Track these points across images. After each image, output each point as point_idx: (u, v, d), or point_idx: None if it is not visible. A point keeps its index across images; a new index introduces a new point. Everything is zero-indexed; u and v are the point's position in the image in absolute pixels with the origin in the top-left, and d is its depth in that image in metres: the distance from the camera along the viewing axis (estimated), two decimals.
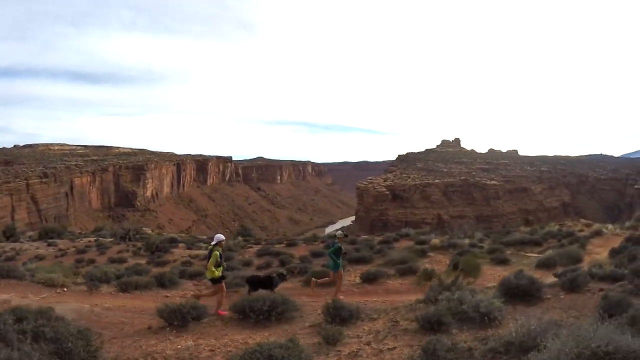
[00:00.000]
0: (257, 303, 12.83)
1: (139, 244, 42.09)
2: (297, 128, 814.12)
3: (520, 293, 11.59)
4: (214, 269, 14.71)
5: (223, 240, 15.28)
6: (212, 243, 15.09)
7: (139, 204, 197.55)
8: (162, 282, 19.71)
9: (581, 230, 36.65)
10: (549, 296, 11.87)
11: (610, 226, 33.79)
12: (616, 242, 26.89)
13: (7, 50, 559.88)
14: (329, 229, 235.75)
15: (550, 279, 15.37)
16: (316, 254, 31.19)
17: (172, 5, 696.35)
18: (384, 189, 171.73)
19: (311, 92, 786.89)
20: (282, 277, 17.51)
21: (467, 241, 33.78)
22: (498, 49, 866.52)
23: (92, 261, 34.09)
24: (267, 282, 16.93)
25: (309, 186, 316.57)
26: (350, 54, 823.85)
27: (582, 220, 42.64)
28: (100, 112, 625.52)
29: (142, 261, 33.43)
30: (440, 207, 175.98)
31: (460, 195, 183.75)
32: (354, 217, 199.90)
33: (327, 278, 18.63)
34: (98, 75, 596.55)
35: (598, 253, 25.26)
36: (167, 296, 18.17)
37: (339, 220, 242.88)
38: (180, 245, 42.68)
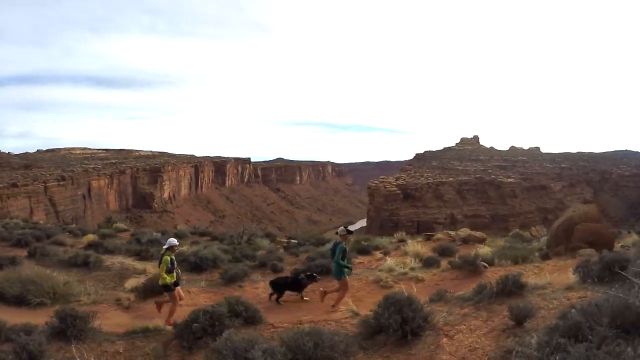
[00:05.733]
0: None
1: None
2: (317, 129, 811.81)
3: None
4: (165, 275, 13.78)
5: (176, 245, 14.35)
6: (164, 247, 14.27)
7: (156, 205, 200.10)
8: None
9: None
10: None
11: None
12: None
13: (28, 57, 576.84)
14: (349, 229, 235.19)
15: None
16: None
17: (188, 8, 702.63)
18: (395, 188, 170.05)
19: (331, 93, 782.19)
20: (311, 278, 16.22)
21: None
22: (521, 45, 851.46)
23: None
24: (295, 284, 16.01)
25: (328, 186, 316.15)
26: (369, 53, 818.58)
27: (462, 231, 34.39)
28: (121, 115, 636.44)
29: None
30: (454, 206, 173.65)
31: (474, 194, 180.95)
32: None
33: (336, 286, 15.61)
34: (117, 79, 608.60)
35: None
36: None
37: (358, 221, 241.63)
38: None
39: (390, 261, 20.94)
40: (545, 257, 21.43)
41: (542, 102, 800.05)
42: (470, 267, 18.59)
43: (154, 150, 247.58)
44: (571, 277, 11.77)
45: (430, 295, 12.69)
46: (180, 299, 14.37)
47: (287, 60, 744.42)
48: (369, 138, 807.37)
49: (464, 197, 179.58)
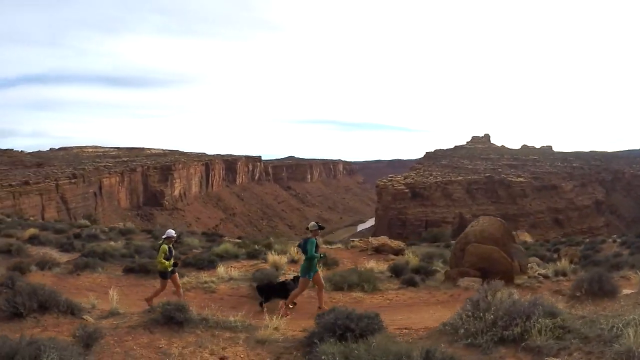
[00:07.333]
0: None
1: None
2: (329, 127, 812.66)
3: None
4: (163, 261, 15.18)
5: (173, 237, 15.81)
6: (163, 237, 15.84)
7: (166, 203, 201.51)
8: None
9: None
10: None
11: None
12: None
13: (41, 57, 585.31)
14: (360, 227, 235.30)
15: None
16: None
17: (199, 8, 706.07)
18: (403, 187, 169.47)
19: (342, 91, 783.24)
20: (297, 282, 14.95)
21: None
22: (534, 43, 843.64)
23: None
24: (281, 290, 15.12)
25: (339, 185, 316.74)
26: (380, 51, 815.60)
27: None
28: (133, 114, 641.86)
29: None
30: (463, 205, 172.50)
31: (484, 193, 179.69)
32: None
33: (295, 291, 14.76)
34: (129, 78, 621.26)
35: None
36: None
37: (369, 219, 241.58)
38: None
39: (221, 269, 20.00)
40: (409, 283, 17.55)
41: (556, 101, 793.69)
42: None
43: (164, 148, 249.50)
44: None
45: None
46: (177, 286, 15.80)
47: (297, 58, 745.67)
48: (380, 136, 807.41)
49: (473, 196, 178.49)
